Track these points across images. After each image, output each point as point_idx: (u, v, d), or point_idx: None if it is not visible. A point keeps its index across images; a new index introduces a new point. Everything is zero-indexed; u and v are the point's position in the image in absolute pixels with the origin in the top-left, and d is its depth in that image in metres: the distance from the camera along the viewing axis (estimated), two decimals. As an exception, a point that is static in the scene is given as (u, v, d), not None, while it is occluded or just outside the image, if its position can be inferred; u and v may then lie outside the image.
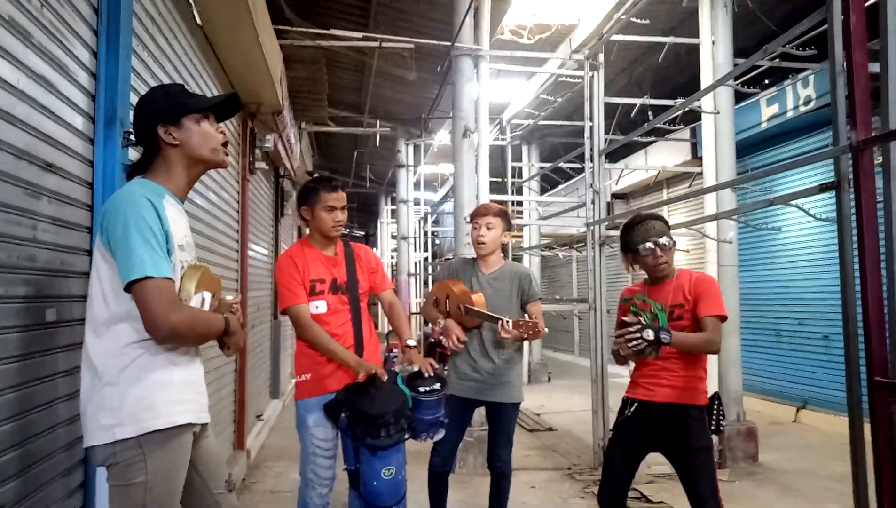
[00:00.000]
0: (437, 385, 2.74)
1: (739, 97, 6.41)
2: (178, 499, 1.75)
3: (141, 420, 1.64)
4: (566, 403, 8.31)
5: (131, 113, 2.44)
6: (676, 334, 2.58)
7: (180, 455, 1.73)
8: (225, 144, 1.89)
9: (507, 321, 2.99)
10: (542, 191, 12.61)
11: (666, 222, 2.80)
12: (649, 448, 2.80)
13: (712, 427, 2.69)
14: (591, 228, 5.34)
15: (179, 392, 1.73)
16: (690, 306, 2.71)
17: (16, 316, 1.77)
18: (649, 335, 2.50)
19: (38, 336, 1.89)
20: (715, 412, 2.69)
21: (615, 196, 10.42)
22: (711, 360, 3.78)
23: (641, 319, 2.56)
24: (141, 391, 1.65)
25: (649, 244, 2.74)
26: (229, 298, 2.01)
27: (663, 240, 2.73)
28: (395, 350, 11.66)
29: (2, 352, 1.70)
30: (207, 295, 1.78)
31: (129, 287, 1.60)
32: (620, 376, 8.83)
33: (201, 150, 1.82)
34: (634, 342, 2.51)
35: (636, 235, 2.77)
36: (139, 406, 1.64)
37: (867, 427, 2.53)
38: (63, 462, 2.05)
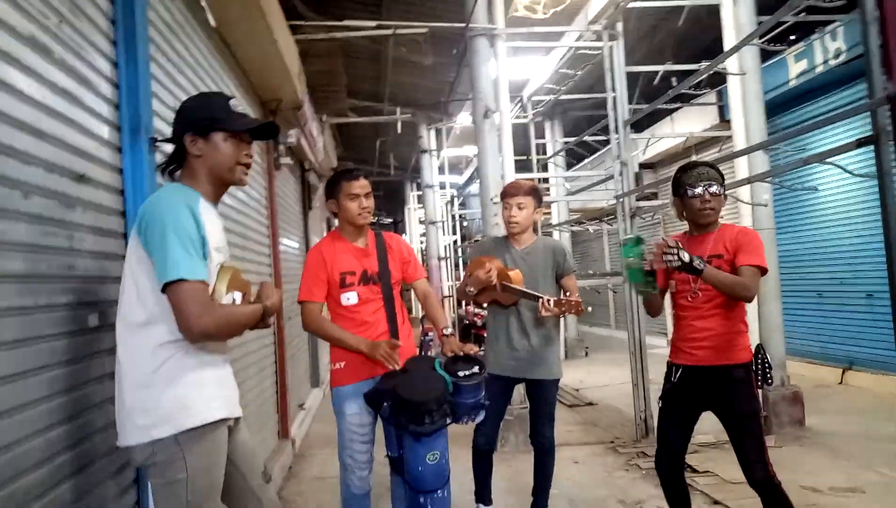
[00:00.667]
0: (476, 369, 2.74)
1: (765, 56, 6.22)
2: (219, 493, 1.79)
3: (176, 420, 1.68)
4: (605, 377, 8.26)
5: (156, 118, 2.50)
6: (710, 267, 2.56)
7: (218, 450, 1.77)
8: (247, 166, 1.91)
9: (549, 300, 2.97)
10: (569, 166, 12.47)
11: (720, 173, 2.74)
12: (700, 409, 2.79)
13: (759, 381, 2.65)
14: (621, 200, 5.26)
15: (212, 389, 1.76)
16: (730, 256, 2.65)
17: (61, 323, 1.83)
18: (685, 256, 2.51)
19: (84, 342, 1.95)
20: (760, 364, 2.66)
21: (643, 166, 10.24)
22: (752, 327, 3.71)
23: (678, 243, 2.58)
24: (175, 391, 1.69)
25: (699, 189, 2.69)
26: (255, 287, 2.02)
27: (714, 187, 2.67)
28: (430, 334, 11.76)
29: (51, 358, 1.77)
30: (238, 296, 1.82)
31: (164, 289, 1.64)
32: (660, 347, 8.74)
33: (219, 167, 1.85)
34: (670, 257, 2.52)
35: (688, 178, 2.73)
36: (174, 406, 1.68)
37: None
38: (115, 461, 2.12)
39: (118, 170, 2.26)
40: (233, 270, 1.84)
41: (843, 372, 7.08)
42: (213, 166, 1.84)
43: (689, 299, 2.74)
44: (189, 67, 3.15)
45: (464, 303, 10.15)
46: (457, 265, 13.45)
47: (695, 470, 4.19)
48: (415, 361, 2.76)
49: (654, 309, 2.89)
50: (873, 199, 6.54)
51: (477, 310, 9.32)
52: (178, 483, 1.69)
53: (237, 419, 1.88)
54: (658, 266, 2.63)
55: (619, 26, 5.27)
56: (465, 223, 18.89)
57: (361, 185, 2.84)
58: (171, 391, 1.68)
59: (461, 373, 2.70)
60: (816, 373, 7.36)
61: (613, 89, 5.29)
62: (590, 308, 3.09)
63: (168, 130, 2.70)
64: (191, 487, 1.69)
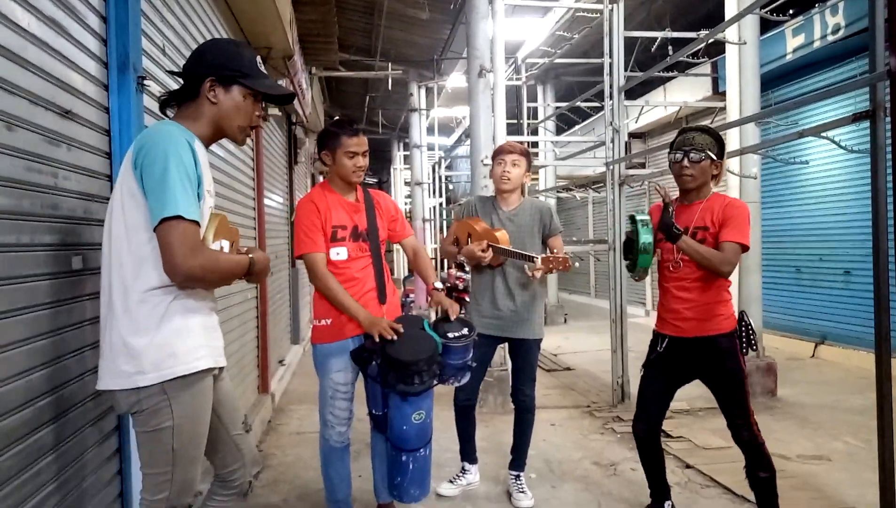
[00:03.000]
0: (465, 331, 2.73)
1: (763, 28, 6.16)
2: (204, 441, 1.78)
3: (163, 368, 1.65)
4: (583, 343, 8.38)
5: (144, 58, 2.41)
6: (687, 237, 2.60)
7: (204, 399, 1.75)
8: (254, 129, 1.87)
9: (537, 258, 2.97)
10: (559, 132, 12.39)
11: (719, 142, 2.70)
12: (685, 379, 2.84)
13: (744, 348, 2.70)
14: (611, 167, 5.25)
15: (198, 338, 1.73)
16: (715, 229, 2.66)
17: (43, 264, 1.78)
18: (671, 211, 2.58)
19: (67, 285, 1.91)
20: (744, 331, 2.70)
21: (632, 135, 10.22)
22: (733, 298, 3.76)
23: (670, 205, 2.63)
24: (162, 339, 1.65)
25: (679, 154, 2.69)
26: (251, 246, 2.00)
27: (695, 155, 2.66)
28: (411, 296, 11.80)
29: (32, 299, 1.72)
30: (226, 243, 1.77)
31: (158, 224, 1.58)
32: (637, 316, 8.85)
33: (230, 122, 1.81)
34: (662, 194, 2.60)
35: (677, 142, 2.73)
36: (160, 354, 1.65)
37: (894, 362, 2.53)
38: (96, 407, 2.10)
39: (104, 109, 2.18)
40: (221, 216, 1.79)
41: (816, 346, 7.25)
42: (223, 118, 1.79)
43: (671, 268, 2.76)
44: (179, 6, 3.03)
45: (445, 266, 10.16)
46: (441, 228, 13.41)
47: (668, 435, 4.28)
48: (404, 320, 2.72)
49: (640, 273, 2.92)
50: (857, 176, 6.61)
51: (459, 274, 9.33)
52: (164, 432, 1.67)
53: (221, 369, 1.86)
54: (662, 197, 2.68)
55: (621, -11, 5.17)
56: (450, 186, 18.80)
57: (361, 142, 2.76)
58: (158, 338, 1.65)
59: (451, 334, 2.68)
60: (790, 346, 7.53)
61: (610, 54, 5.21)
62: (577, 264, 3.09)
63: (156, 71, 2.64)
64: (176, 435, 1.68)
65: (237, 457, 1.94)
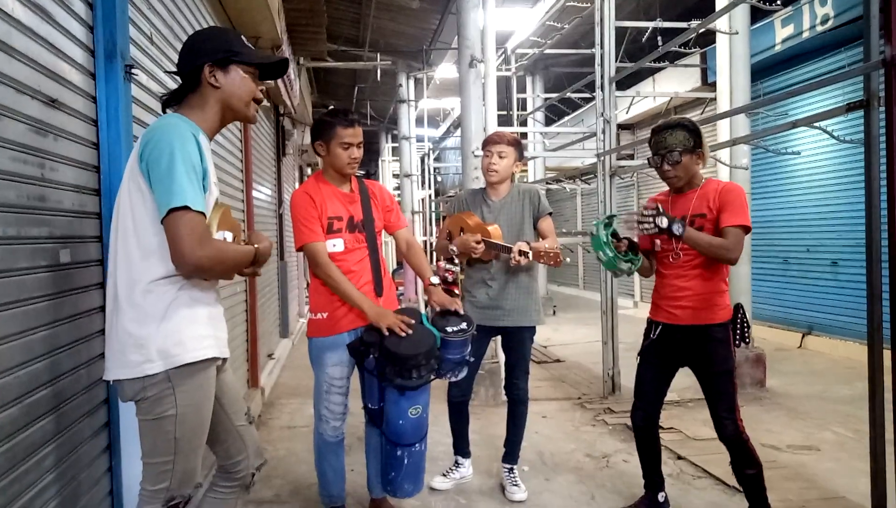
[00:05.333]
0: (464, 325, 2.69)
1: (753, 18, 6.17)
2: (206, 430, 1.77)
3: (170, 355, 1.65)
4: (572, 335, 8.40)
5: (131, 45, 2.35)
6: (691, 229, 2.57)
7: (207, 388, 1.75)
8: (259, 102, 1.87)
9: (522, 249, 2.93)
10: (547, 123, 12.37)
11: (693, 131, 2.67)
12: (678, 365, 2.83)
13: (737, 340, 2.69)
14: (602, 158, 5.24)
15: (204, 327, 1.73)
16: (713, 216, 2.64)
17: (31, 257, 1.74)
18: (663, 222, 2.52)
19: (55, 278, 1.86)
20: (739, 323, 2.69)
21: (620, 126, 10.23)
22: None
23: (659, 207, 2.58)
24: (169, 327, 1.65)
25: (657, 159, 2.70)
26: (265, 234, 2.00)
27: (675, 155, 2.64)
28: (400, 288, 11.76)
29: (20, 294, 1.68)
30: (229, 235, 1.77)
31: (166, 215, 1.58)
32: (626, 307, 8.86)
33: (238, 101, 1.82)
34: (647, 225, 2.53)
35: (652, 145, 2.72)
36: (168, 341, 1.65)
37: (886, 353, 2.54)
38: (87, 402, 2.06)
39: (92, 98, 2.13)
40: (224, 207, 1.79)
41: (803, 337, 7.32)
42: (230, 98, 1.80)
43: (671, 259, 2.75)
44: (166, -7, 2.97)
45: (434, 259, 10.13)
46: (431, 221, 13.38)
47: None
48: (402, 313, 2.68)
49: (645, 271, 2.89)
50: (845, 167, 6.66)
51: (448, 266, 9.31)
52: (167, 420, 1.67)
53: (224, 360, 1.85)
54: (636, 234, 2.61)
55: (613, -21, 5.14)
56: (439, 178, 18.74)
57: (356, 133, 2.71)
58: (165, 326, 1.65)
59: (450, 328, 2.64)
60: (777, 337, 7.60)
61: (602, 45, 5.19)
62: (568, 260, 3.07)
63: (143, 60, 2.58)
64: (179, 423, 1.68)
65: (241, 448, 1.94)
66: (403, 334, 2.54)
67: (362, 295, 2.67)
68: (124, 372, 1.66)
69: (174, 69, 1.85)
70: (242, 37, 1.87)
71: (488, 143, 3.30)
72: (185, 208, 1.56)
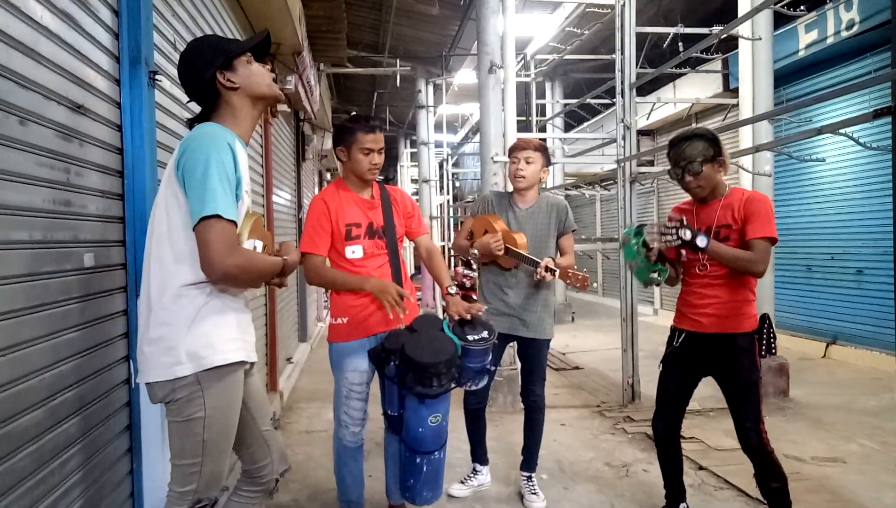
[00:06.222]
0: (486, 333, 2.65)
1: (776, 24, 6.10)
2: (234, 433, 1.79)
3: (200, 358, 1.67)
4: (591, 342, 8.33)
5: (155, 52, 2.38)
6: (715, 242, 2.52)
7: (236, 391, 1.77)
8: (274, 79, 1.90)
9: (547, 267, 2.91)
10: (567, 128, 12.33)
11: (711, 140, 2.62)
12: (701, 374, 2.78)
13: (762, 351, 2.63)
14: (622, 164, 5.20)
15: (233, 331, 1.76)
16: (739, 226, 2.59)
17: (56, 261, 1.76)
18: (686, 234, 2.47)
19: (79, 282, 1.89)
20: (765, 334, 2.64)
21: (641, 133, 10.16)
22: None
23: (682, 219, 2.53)
24: (198, 330, 1.68)
25: (678, 171, 2.66)
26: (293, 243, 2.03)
27: (690, 167, 2.60)
28: (418, 293, 11.77)
29: (45, 297, 1.70)
30: (259, 244, 1.78)
31: (198, 223, 1.60)
32: (646, 314, 8.77)
33: (260, 87, 1.85)
34: (670, 237, 2.49)
35: (672, 157, 2.68)
36: (198, 344, 1.67)
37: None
38: (109, 405, 2.08)
39: (116, 103, 2.16)
40: (256, 216, 1.82)
41: (827, 346, 7.18)
42: (252, 88, 1.83)
43: (698, 270, 2.69)
44: (190, 1, 3.01)
45: (452, 264, 10.12)
46: (450, 226, 13.38)
47: (682, 437, 4.23)
48: (423, 320, 2.66)
49: (671, 280, 2.84)
50: (872, 174, 6.54)
51: (466, 271, 9.30)
52: (196, 422, 1.69)
53: (252, 364, 1.87)
54: (658, 246, 2.57)
55: (633, -16, 5.11)
56: (457, 183, 18.75)
57: (377, 139, 2.71)
58: (194, 330, 1.68)
59: (471, 337, 2.60)
60: (801, 346, 7.47)
61: (622, 51, 5.16)
62: (595, 284, 3.04)
63: (167, 66, 2.61)
64: (207, 426, 1.70)
65: (266, 453, 1.95)
66: (400, 313, 2.55)
67: (359, 276, 2.67)
68: (155, 374, 1.68)
69: (188, 99, 1.88)
70: (218, 35, 1.89)
71: (515, 149, 3.29)
72: (217, 216, 1.59)
